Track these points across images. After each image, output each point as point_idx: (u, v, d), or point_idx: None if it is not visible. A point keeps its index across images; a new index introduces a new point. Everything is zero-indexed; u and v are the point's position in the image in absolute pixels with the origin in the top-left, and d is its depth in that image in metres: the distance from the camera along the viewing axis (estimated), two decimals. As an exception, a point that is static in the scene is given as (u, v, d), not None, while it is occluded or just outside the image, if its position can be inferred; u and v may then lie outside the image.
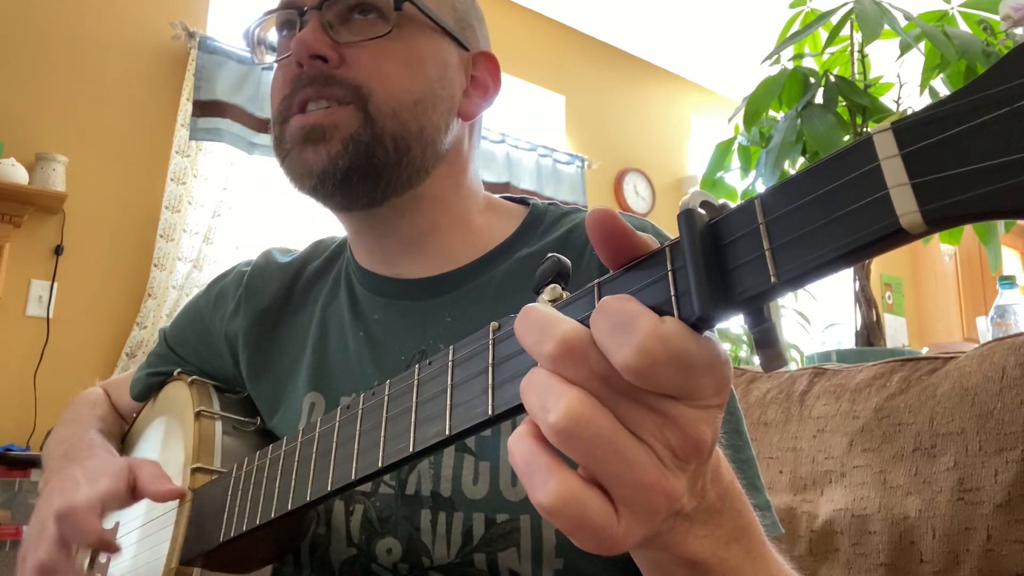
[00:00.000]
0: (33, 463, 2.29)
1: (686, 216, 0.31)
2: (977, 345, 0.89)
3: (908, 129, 0.25)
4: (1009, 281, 1.67)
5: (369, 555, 0.63)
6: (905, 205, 0.25)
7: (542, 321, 0.31)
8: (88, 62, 2.71)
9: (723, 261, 0.30)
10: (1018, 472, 0.77)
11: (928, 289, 5.37)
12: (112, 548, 0.62)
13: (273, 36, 0.72)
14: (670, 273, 0.31)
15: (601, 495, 0.30)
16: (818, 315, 3.41)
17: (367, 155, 0.63)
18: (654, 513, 0.30)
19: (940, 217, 0.24)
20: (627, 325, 0.29)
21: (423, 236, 0.70)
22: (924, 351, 1.49)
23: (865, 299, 1.58)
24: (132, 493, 0.64)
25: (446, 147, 0.69)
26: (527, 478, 0.30)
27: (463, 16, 0.72)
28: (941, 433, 0.85)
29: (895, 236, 0.25)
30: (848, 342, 1.81)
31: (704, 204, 0.31)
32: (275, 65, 0.69)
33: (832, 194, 0.27)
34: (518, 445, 0.31)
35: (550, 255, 0.36)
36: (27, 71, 2.59)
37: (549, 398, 0.30)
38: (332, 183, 0.63)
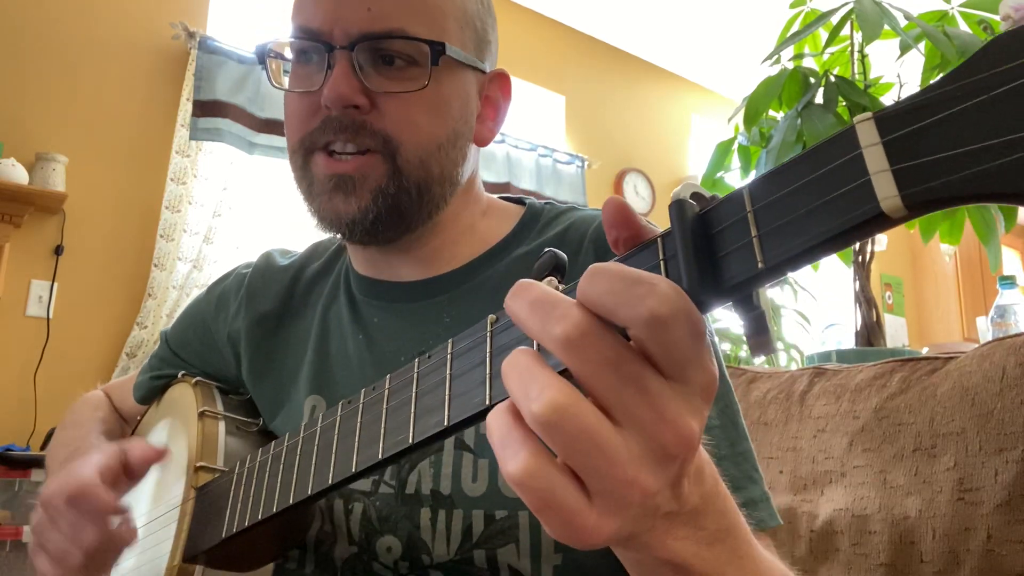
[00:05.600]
0: (33, 463, 2.29)
1: (676, 207, 0.31)
2: (977, 345, 0.89)
3: (889, 118, 0.26)
4: (1009, 281, 1.67)
5: (370, 553, 0.64)
6: (886, 190, 0.25)
7: (549, 301, 0.31)
8: (88, 62, 2.71)
9: (713, 249, 0.30)
10: (1018, 472, 0.77)
11: (928, 289, 5.36)
12: (124, 513, 0.63)
13: (283, 49, 0.70)
14: (662, 263, 0.32)
15: (573, 480, 0.30)
16: (818, 315, 3.41)
17: (394, 204, 0.64)
18: (628, 507, 0.30)
19: (919, 201, 0.25)
20: (644, 280, 0.29)
21: (434, 252, 0.71)
22: (924, 351, 1.49)
23: (865, 299, 1.58)
24: (126, 470, 0.65)
25: (464, 177, 0.70)
26: (500, 450, 0.31)
27: (482, 34, 0.71)
28: (941, 433, 0.85)
29: (876, 220, 0.26)
30: (848, 342, 1.81)
31: (695, 195, 0.32)
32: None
33: (816, 181, 0.28)
34: (496, 420, 0.32)
35: (547, 249, 0.36)
36: (27, 71, 2.59)
37: (533, 387, 0.30)
38: (361, 230, 0.64)
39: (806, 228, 0.27)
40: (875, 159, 0.26)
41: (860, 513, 0.90)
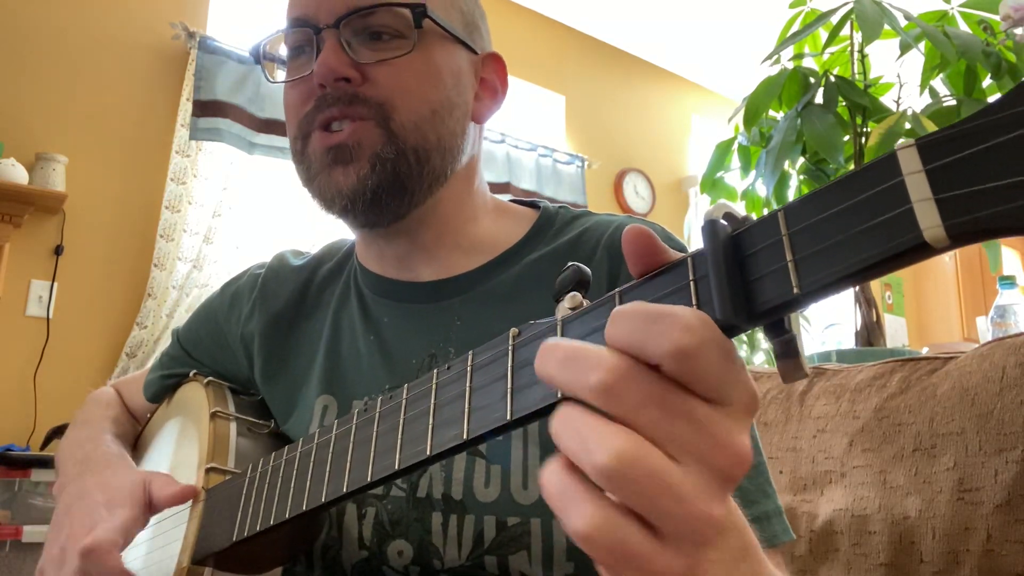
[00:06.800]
0: (33, 463, 2.28)
1: (709, 227, 0.31)
2: (977, 345, 0.89)
3: (932, 146, 0.26)
4: (1009, 281, 1.67)
5: (380, 557, 0.63)
6: (928, 220, 0.25)
7: (578, 354, 0.30)
8: (88, 62, 2.71)
9: (746, 272, 0.30)
10: (1018, 472, 0.77)
11: (928, 289, 5.36)
12: None
13: (280, 49, 0.71)
14: (692, 283, 0.31)
15: (642, 526, 0.29)
16: (818, 315, 3.41)
17: (393, 171, 0.64)
18: (703, 545, 0.29)
19: (963, 232, 0.24)
20: (664, 314, 0.29)
21: (437, 239, 0.71)
22: (924, 351, 1.49)
23: (865, 299, 1.58)
24: (149, 509, 0.64)
25: (464, 151, 0.70)
26: (562, 508, 0.30)
27: (470, 18, 0.72)
28: (941, 433, 0.85)
29: (918, 250, 0.25)
30: (848, 342, 1.81)
31: (727, 216, 0.31)
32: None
33: (855, 207, 0.27)
34: (551, 477, 0.31)
35: (570, 264, 0.36)
36: (27, 71, 2.59)
37: (591, 438, 0.29)
38: (363, 202, 0.64)
39: (844, 255, 0.27)
40: (917, 187, 0.25)
41: (860, 513, 0.90)
